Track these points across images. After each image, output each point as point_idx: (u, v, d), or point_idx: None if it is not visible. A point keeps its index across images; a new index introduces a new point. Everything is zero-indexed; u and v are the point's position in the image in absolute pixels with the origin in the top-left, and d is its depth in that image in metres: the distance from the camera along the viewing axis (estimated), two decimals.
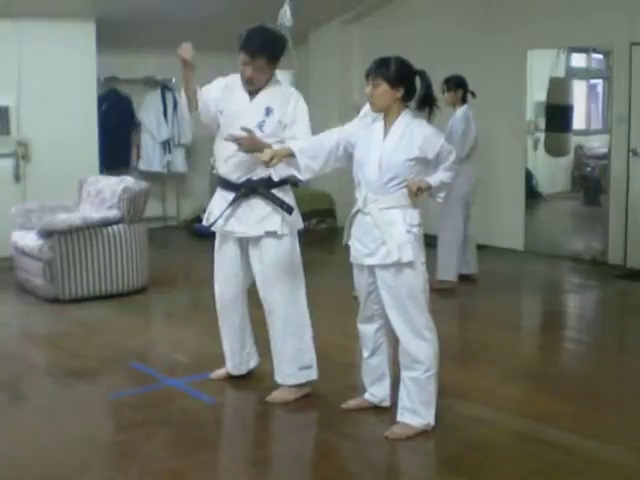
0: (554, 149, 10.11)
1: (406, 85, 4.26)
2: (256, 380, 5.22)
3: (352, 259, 4.45)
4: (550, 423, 4.52)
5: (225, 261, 4.94)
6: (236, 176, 4.74)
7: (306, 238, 10.71)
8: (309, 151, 4.41)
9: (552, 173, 10.75)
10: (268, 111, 4.63)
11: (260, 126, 4.59)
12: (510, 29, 9.33)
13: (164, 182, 11.21)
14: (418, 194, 4.19)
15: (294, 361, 4.85)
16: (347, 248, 4.49)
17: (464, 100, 7.70)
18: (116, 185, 7.66)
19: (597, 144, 10.25)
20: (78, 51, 9.51)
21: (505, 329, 6.50)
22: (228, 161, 4.74)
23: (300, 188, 11.47)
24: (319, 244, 10.61)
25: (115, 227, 7.42)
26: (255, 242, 4.80)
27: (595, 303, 7.88)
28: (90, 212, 7.56)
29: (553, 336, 6.59)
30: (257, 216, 4.74)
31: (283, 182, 4.74)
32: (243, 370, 5.16)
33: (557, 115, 9.96)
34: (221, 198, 4.84)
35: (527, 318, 7.41)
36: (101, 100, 10.10)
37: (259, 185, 4.71)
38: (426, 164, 4.26)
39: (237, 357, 5.13)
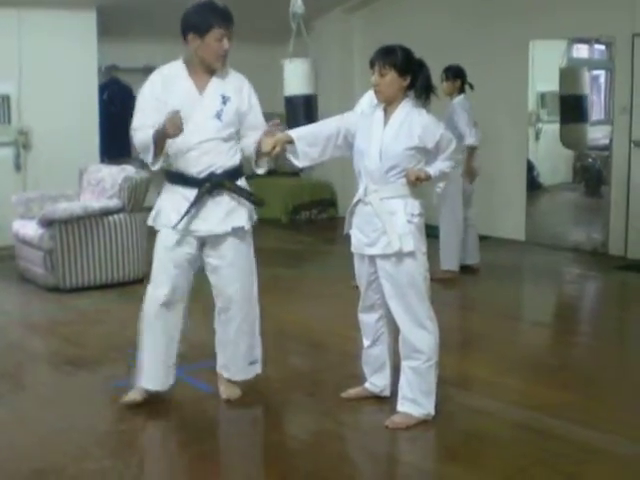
0: (571, 141, 10.01)
1: (412, 74, 4.25)
2: None
3: (353, 249, 4.45)
4: (550, 413, 4.52)
5: (178, 262, 4.48)
6: (197, 170, 4.36)
7: (307, 228, 10.85)
8: (308, 138, 4.40)
9: (553, 164, 10.71)
10: (225, 99, 4.36)
11: (218, 115, 4.34)
12: (512, 20, 9.29)
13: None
14: (417, 183, 4.19)
15: (245, 357, 4.71)
16: (348, 238, 4.48)
17: (462, 90, 7.68)
18: (117, 174, 7.66)
19: (599, 135, 10.20)
20: (79, 40, 9.48)
21: (506, 319, 6.50)
22: (187, 154, 4.35)
23: (301, 178, 11.51)
24: (320, 234, 10.62)
25: (116, 216, 7.41)
26: (216, 239, 4.49)
27: (596, 294, 7.87)
28: (91, 201, 7.55)
29: (554, 327, 6.60)
30: (222, 212, 4.44)
31: (241, 173, 4.53)
32: (166, 386, 4.63)
33: (572, 105, 9.88)
34: (179, 196, 4.39)
35: (528, 309, 7.40)
36: (102, 89, 10.07)
37: (224, 178, 4.40)
38: (426, 153, 4.25)
39: (162, 370, 4.60)
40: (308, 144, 4.38)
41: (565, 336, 6.30)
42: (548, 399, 4.76)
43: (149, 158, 4.32)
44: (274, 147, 4.26)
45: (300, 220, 11.27)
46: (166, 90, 4.35)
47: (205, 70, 4.39)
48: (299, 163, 4.43)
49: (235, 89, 4.45)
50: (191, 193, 4.35)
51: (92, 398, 4.81)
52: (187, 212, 4.35)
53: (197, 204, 4.36)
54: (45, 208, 7.45)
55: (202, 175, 4.36)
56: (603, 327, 6.49)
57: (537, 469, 3.91)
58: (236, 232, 4.49)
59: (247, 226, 4.55)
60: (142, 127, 4.33)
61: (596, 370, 5.38)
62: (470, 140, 7.35)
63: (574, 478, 3.84)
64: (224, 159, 4.39)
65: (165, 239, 4.47)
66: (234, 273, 4.58)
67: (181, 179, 4.40)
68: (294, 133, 4.38)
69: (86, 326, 6.30)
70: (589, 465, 3.96)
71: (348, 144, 4.40)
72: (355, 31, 11.30)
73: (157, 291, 4.52)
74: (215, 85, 4.41)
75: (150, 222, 4.54)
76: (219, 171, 4.38)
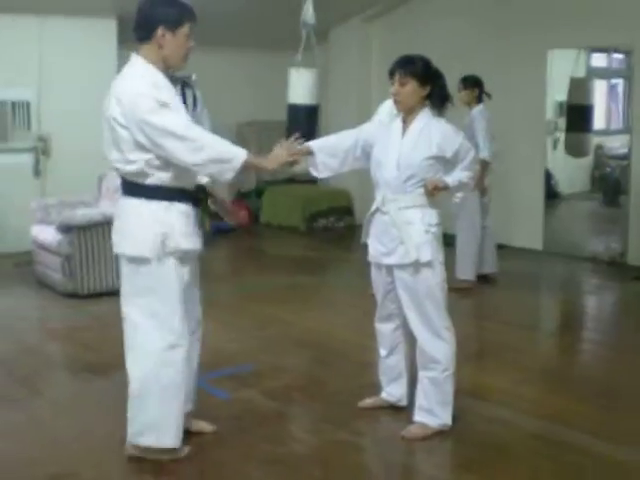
0: (574, 149, 10.07)
1: (431, 83, 4.26)
2: (269, 377, 5.25)
3: (370, 258, 4.44)
4: (566, 424, 4.51)
5: (187, 294, 4.04)
6: (194, 183, 4.05)
7: (324, 236, 10.86)
8: (328, 149, 4.41)
9: (571, 173, 10.70)
10: (196, 100, 4.25)
11: (193, 116, 4.15)
12: (530, 29, 9.28)
13: None
14: (434, 193, 4.19)
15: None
16: (365, 246, 4.48)
17: (480, 99, 7.68)
18: None
19: (617, 144, 10.19)
20: (99, 47, 9.56)
21: (523, 329, 6.48)
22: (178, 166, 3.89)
23: (319, 186, 11.52)
24: (337, 242, 10.63)
25: None
26: (196, 258, 4.11)
27: (613, 304, 7.83)
28: (109, 208, 7.58)
29: (571, 337, 6.57)
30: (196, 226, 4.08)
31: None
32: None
33: (578, 115, 9.92)
34: (181, 215, 3.92)
35: (545, 318, 7.38)
36: None
37: (204, 190, 4.16)
38: (444, 163, 4.25)
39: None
40: (328, 155, 4.39)
41: (582, 346, 6.29)
42: (565, 410, 4.75)
43: (228, 174, 3.84)
44: (292, 159, 4.17)
45: (317, 228, 11.28)
46: (163, 94, 3.86)
47: (163, 70, 3.91)
48: (319, 174, 4.44)
49: (188, 87, 4.24)
50: (190, 209, 3.98)
51: (108, 404, 4.81)
52: (196, 231, 4.02)
53: (196, 220, 4.04)
54: (64, 214, 7.49)
55: (193, 188, 4.06)
56: (620, 337, 6.46)
57: None
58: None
59: None
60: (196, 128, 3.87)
61: (613, 381, 5.35)
62: (483, 154, 7.32)
63: None
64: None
65: (178, 269, 3.92)
66: (198, 294, 4.23)
67: (181, 194, 3.93)
68: (314, 144, 4.38)
69: (103, 332, 6.31)
70: (605, 476, 3.96)
71: (366, 155, 4.41)
72: (373, 40, 11.32)
73: (181, 326, 3.94)
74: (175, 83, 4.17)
75: (153, 253, 3.85)
76: (200, 182, 4.13)
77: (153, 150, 3.78)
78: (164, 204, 3.88)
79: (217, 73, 10.66)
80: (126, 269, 3.94)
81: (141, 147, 3.79)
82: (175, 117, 3.79)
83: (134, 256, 3.88)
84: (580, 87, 9.97)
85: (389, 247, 4.28)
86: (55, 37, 9.32)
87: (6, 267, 8.71)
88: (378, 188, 4.35)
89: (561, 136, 10.01)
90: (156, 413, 3.92)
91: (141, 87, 3.78)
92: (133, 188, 3.90)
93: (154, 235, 3.84)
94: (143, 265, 3.87)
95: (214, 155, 3.79)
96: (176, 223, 3.89)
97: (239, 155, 3.83)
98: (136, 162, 3.82)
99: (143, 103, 3.74)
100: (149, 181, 3.86)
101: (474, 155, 4.38)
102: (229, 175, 3.84)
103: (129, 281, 3.94)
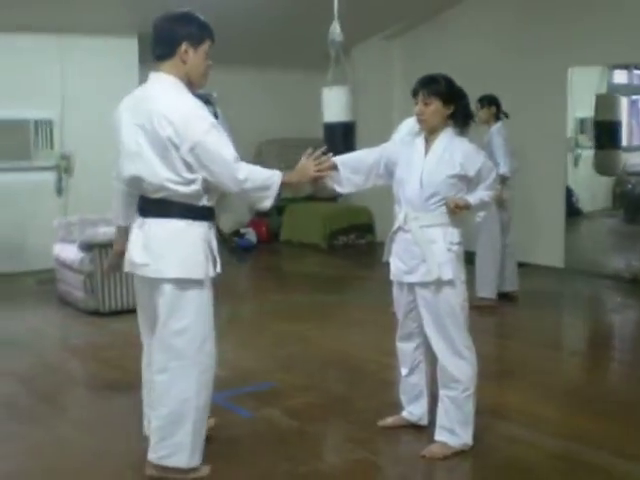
0: (604, 167, 9.98)
1: (455, 102, 4.27)
2: (289, 395, 5.25)
3: (392, 276, 4.44)
4: (589, 444, 4.47)
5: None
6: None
7: (345, 253, 10.86)
8: (351, 165, 4.42)
9: (593, 190, 10.66)
10: (217, 118, 4.24)
11: None
12: (551, 47, 9.28)
13: None
14: (456, 212, 4.19)
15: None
16: (387, 265, 4.48)
17: (497, 117, 7.69)
18: None
19: (639, 160, 10.15)
20: (121, 66, 9.64)
21: (544, 348, 6.44)
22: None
23: (339, 203, 11.54)
24: (358, 259, 10.64)
25: None
26: None
27: (635, 322, 7.77)
28: None
29: (593, 356, 6.53)
30: None
31: None
32: None
33: (606, 132, 9.86)
34: (206, 237, 3.92)
35: (567, 337, 7.34)
36: None
37: None
38: (467, 182, 4.26)
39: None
40: (352, 171, 4.40)
41: (604, 365, 6.23)
42: (588, 429, 4.71)
43: (267, 202, 3.88)
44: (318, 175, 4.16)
45: (338, 245, 11.30)
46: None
47: (187, 88, 3.92)
48: (342, 189, 4.44)
49: None
50: (209, 230, 3.94)
51: (130, 423, 4.81)
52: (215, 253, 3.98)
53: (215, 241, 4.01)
54: (85, 232, 7.54)
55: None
56: None
57: None
58: None
59: None
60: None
61: (637, 400, 5.30)
62: (503, 169, 7.30)
63: None
64: None
65: (208, 292, 3.95)
66: None
67: (209, 213, 3.96)
68: (338, 160, 4.39)
69: (125, 349, 6.32)
70: None
71: (389, 173, 4.42)
72: (394, 58, 11.36)
73: (208, 359, 3.98)
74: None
75: (204, 274, 3.87)
76: None
77: (199, 171, 3.76)
78: (207, 224, 3.92)
79: (237, 91, 10.71)
80: (168, 293, 3.85)
81: (189, 167, 3.77)
82: (226, 141, 3.79)
83: (183, 278, 3.83)
84: (607, 103, 9.92)
85: (411, 265, 4.27)
86: (77, 56, 9.41)
87: (29, 285, 8.78)
88: (400, 206, 4.36)
89: (582, 153, 9.98)
90: (189, 434, 3.91)
91: (190, 105, 3.79)
92: (177, 209, 3.83)
93: (205, 257, 3.86)
94: (190, 288, 3.85)
95: (258, 184, 3.82)
96: (214, 243, 3.94)
97: (277, 180, 3.86)
98: (195, 182, 3.78)
99: (198, 123, 3.73)
100: (198, 202, 3.85)
101: (496, 174, 4.39)
102: (268, 202, 3.89)
103: (169, 304, 3.86)
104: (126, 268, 4.07)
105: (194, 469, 4.00)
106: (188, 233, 3.85)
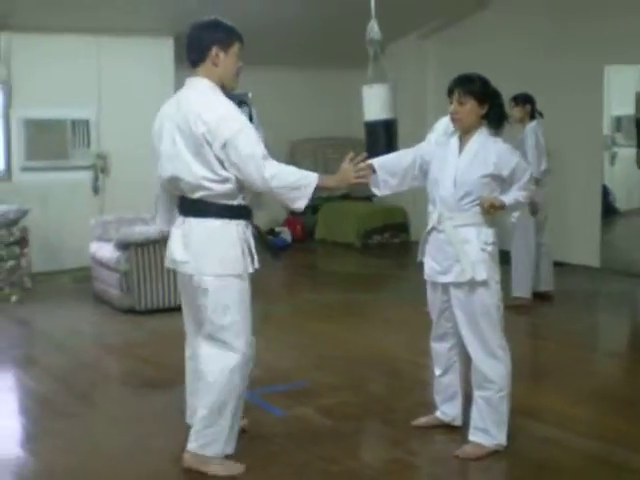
0: None
1: (489, 102, 4.26)
2: (323, 394, 5.26)
3: (426, 276, 4.44)
4: (624, 445, 4.44)
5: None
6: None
7: (379, 252, 10.86)
8: (388, 167, 4.42)
9: (630, 189, 10.56)
10: (252, 118, 4.39)
11: None
12: (586, 46, 9.21)
13: None
14: (491, 212, 4.18)
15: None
16: (421, 265, 4.48)
17: (532, 117, 7.64)
18: None
19: None
20: (157, 66, 9.72)
21: (580, 348, 6.40)
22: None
23: (374, 202, 11.53)
24: (392, 258, 10.62)
25: None
26: None
27: None
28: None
29: (629, 357, 6.48)
30: None
31: None
32: None
33: None
34: (243, 235, 4.06)
35: (602, 338, 7.28)
36: None
37: None
38: (501, 182, 4.25)
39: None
40: (389, 173, 4.41)
41: None
42: (623, 431, 4.68)
43: (303, 202, 3.97)
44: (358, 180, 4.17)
45: (372, 244, 11.30)
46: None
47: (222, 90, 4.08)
48: (379, 192, 4.46)
49: None
50: (245, 228, 4.07)
51: (166, 420, 4.86)
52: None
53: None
54: (121, 231, 7.60)
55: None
56: None
57: None
58: None
59: None
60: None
61: None
62: (532, 170, 7.23)
63: None
64: None
65: (248, 287, 4.09)
66: None
67: (245, 212, 4.09)
68: (376, 162, 4.40)
69: (161, 347, 6.39)
70: None
71: (424, 173, 4.42)
72: (429, 57, 11.33)
73: (250, 350, 4.13)
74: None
75: (242, 270, 4.02)
76: None
77: (229, 169, 3.88)
78: (243, 223, 4.05)
79: (272, 91, 10.74)
80: (209, 289, 3.97)
81: (223, 164, 3.89)
82: (257, 140, 3.90)
83: (223, 274, 3.97)
84: None
85: (444, 265, 4.27)
86: (113, 56, 9.49)
87: (65, 283, 8.87)
88: (434, 206, 4.35)
89: (619, 151, 9.88)
90: (228, 423, 4.06)
91: (224, 105, 3.94)
92: (215, 209, 3.97)
93: (242, 253, 4.00)
94: (230, 284, 3.99)
95: (287, 183, 3.91)
96: (251, 241, 4.07)
97: (311, 182, 3.94)
98: (229, 180, 3.91)
99: (230, 122, 3.87)
100: (234, 201, 3.98)
101: (530, 175, 4.37)
102: (300, 204, 3.97)
103: (211, 301, 3.99)
104: (167, 264, 4.22)
105: (228, 464, 4.11)
106: (225, 231, 3.99)
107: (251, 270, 4.05)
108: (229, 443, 4.11)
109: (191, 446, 4.09)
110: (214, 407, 4.03)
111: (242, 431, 4.31)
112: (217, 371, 4.02)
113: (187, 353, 4.38)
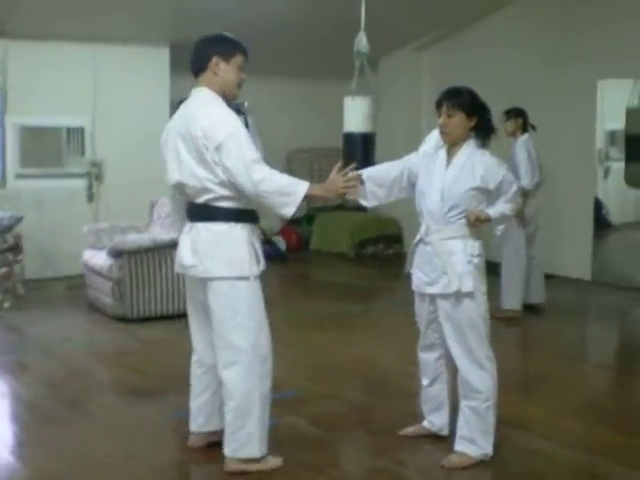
0: (634, 180, 9.88)
1: (478, 115, 4.30)
2: (312, 404, 5.30)
3: (414, 287, 4.48)
4: (611, 458, 4.46)
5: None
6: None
7: (373, 263, 10.89)
8: (376, 179, 4.46)
9: (622, 202, 10.60)
10: (248, 127, 4.52)
11: None
12: (580, 59, 9.26)
13: None
14: (477, 224, 4.21)
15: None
16: (409, 275, 4.51)
17: (524, 129, 7.67)
18: None
19: None
20: (152, 75, 9.76)
21: (568, 360, 6.43)
22: None
23: (368, 213, 11.56)
24: (385, 269, 10.65)
25: None
26: None
27: None
28: (160, 233, 7.70)
29: (617, 369, 6.51)
30: None
31: None
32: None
33: (636, 145, 9.74)
34: (241, 238, 4.12)
35: (592, 350, 7.31)
36: None
37: None
38: (488, 194, 4.28)
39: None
40: (376, 185, 4.45)
41: (629, 379, 6.20)
42: (610, 443, 4.70)
43: (291, 209, 4.03)
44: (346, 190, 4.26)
45: (366, 254, 11.34)
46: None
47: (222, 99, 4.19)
48: (367, 203, 4.51)
49: None
50: (251, 231, 4.17)
51: (154, 428, 4.89)
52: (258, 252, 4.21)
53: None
54: (115, 239, 7.62)
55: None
56: None
57: None
58: None
59: None
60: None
61: None
62: (524, 182, 7.26)
63: None
64: None
65: (256, 287, 4.17)
66: None
67: (251, 215, 4.19)
68: (364, 173, 4.44)
69: (152, 356, 6.41)
70: None
71: (412, 185, 4.45)
72: (423, 69, 11.39)
73: (266, 340, 4.21)
74: None
75: (250, 272, 4.09)
76: None
77: (223, 173, 3.97)
78: (249, 227, 4.15)
79: (269, 101, 10.79)
80: (218, 292, 4.07)
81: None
82: (249, 144, 3.99)
83: (231, 277, 4.06)
84: (638, 117, 9.82)
85: (432, 277, 4.30)
86: (109, 65, 9.52)
87: (58, 290, 8.89)
88: (422, 218, 4.39)
89: (612, 165, 9.92)
90: (257, 423, 4.14)
91: (221, 111, 4.06)
92: (221, 213, 4.08)
93: (249, 255, 4.09)
94: (238, 286, 4.07)
95: (275, 188, 3.98)
96: (257, 244, 4.18)
97: (300, 189, 4.02)
98: (229, 182, 4.01)
99: (224, 126, 3.98)
100: (239, 205, 4.09)
101: (517, 188, 4.41)
102: (288, 210, 4.04)
103: (221, 303, 4.09)
104: (177, 269, 4.32)
105: (265, 460, 4.21)
106: (231, 235, 4.09)
107: (257, 272, 4.13)
108: (262, 443, 4.18)
109: (226, 451, 4.19)
110: (238, 411, 4.11)
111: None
112: (232, 374, 4.10)
113: (194, 358, 4.46)
